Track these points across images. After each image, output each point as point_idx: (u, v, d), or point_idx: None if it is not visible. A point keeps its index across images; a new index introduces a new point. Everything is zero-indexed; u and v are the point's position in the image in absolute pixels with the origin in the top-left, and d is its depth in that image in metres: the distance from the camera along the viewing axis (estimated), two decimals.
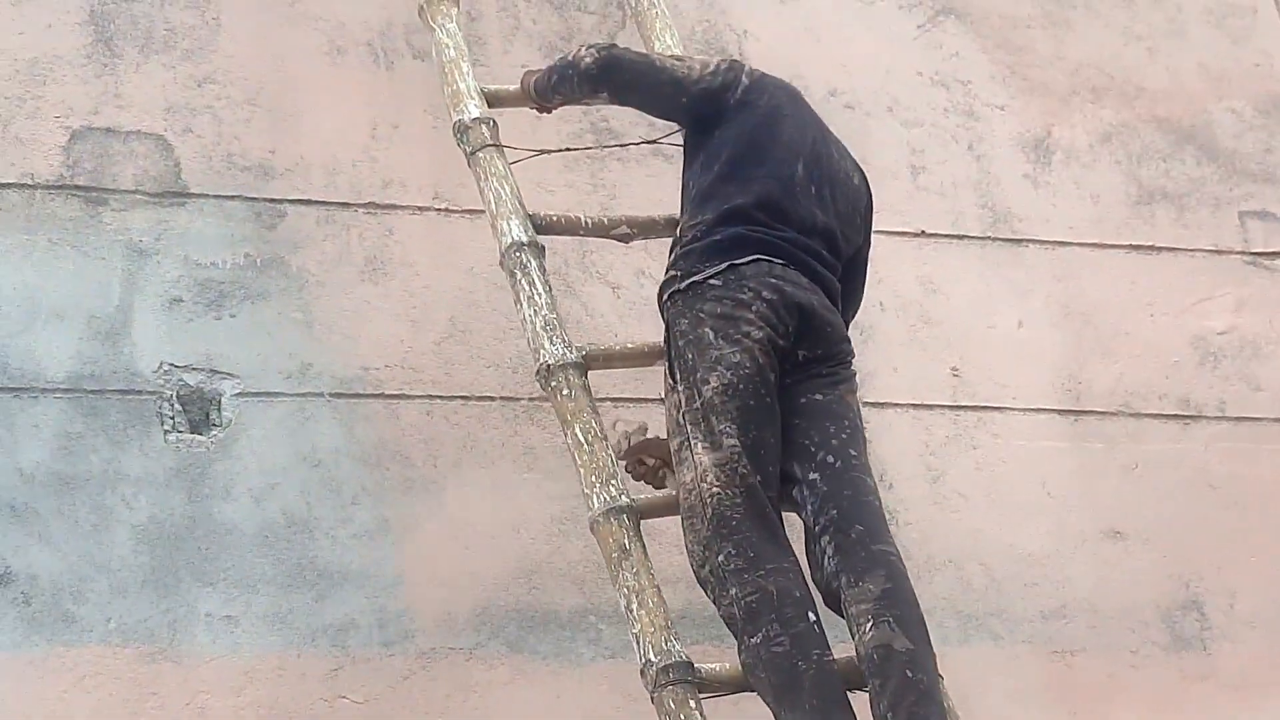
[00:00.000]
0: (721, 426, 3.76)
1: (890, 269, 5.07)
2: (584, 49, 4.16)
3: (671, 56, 4.28)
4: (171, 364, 4.41)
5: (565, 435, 3.93)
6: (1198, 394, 5.20)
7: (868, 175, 4.28)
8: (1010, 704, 4.81)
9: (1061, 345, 5.15)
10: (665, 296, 3.95)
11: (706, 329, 3.83)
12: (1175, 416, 5.16)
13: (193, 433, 4.39)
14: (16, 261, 4.35)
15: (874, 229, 4.28)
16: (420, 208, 4.69)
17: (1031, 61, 5.38)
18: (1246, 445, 5.18)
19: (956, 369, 5.05)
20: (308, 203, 4.62)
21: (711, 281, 3.87)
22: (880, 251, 5.01)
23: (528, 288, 4.05)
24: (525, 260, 4.09)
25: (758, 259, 3.88)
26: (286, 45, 4.74)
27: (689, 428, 3.80)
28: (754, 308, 3.83)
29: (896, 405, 4.97)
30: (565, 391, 3.95)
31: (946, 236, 5.16)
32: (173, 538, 4.30)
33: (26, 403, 4.28)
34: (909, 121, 5.22)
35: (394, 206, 4.67)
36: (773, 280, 3.87)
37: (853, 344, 4.02)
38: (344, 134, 4.69)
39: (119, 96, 4.54)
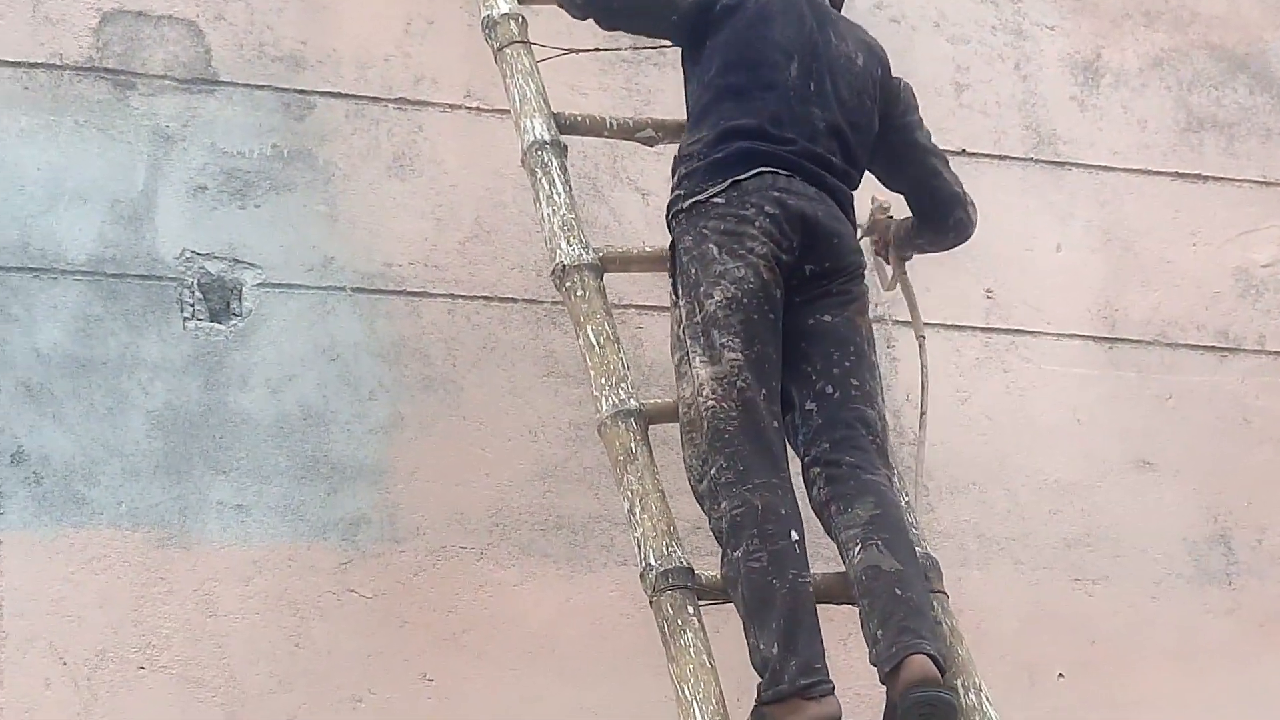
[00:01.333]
0: (723, 340, 3.72)
1: None
2: None
3: None
4: (194, 251, 4.40)
5: (578, 336, 3.90)
6: (1237, 326, 5.12)
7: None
8: (1028, 630, 4.78)
9: (1100, 271, 5.08)
10: (670, 215, 3.90)
11: (710, 244, 3.78)
12: (1212, 348, 5.09)
13: (212, 321, 4.38)
14: (42, 142, 4.34)
15: None
16: (451, 106, 4.65)
17: None
18: None
19: (991, 291, 5.00)
20: (338, 95, 4.59)
21: (715, 199, 3.81)
22: None
23: (547, 187, 4.02)
24: (546, 159, 4.05)
25: (760, 172, 3.82)
26: None
27: (689, 342, 3.76)
28: (757, 223, 3.78)
29: (927, 324, 4.88)
30: (579, 293, 3.91)
31: (988, 156, 5.09)
32: (187, 425, 4.30)
33: (46, 284, 4.27)
34: (955, 38, 5.14)
35: (425, 103, 4.63)
36: (775, 194, 3.81)
37: (864, 255, 3.96)
38: (377, 28, 4.65)
39: None
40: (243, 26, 4.56)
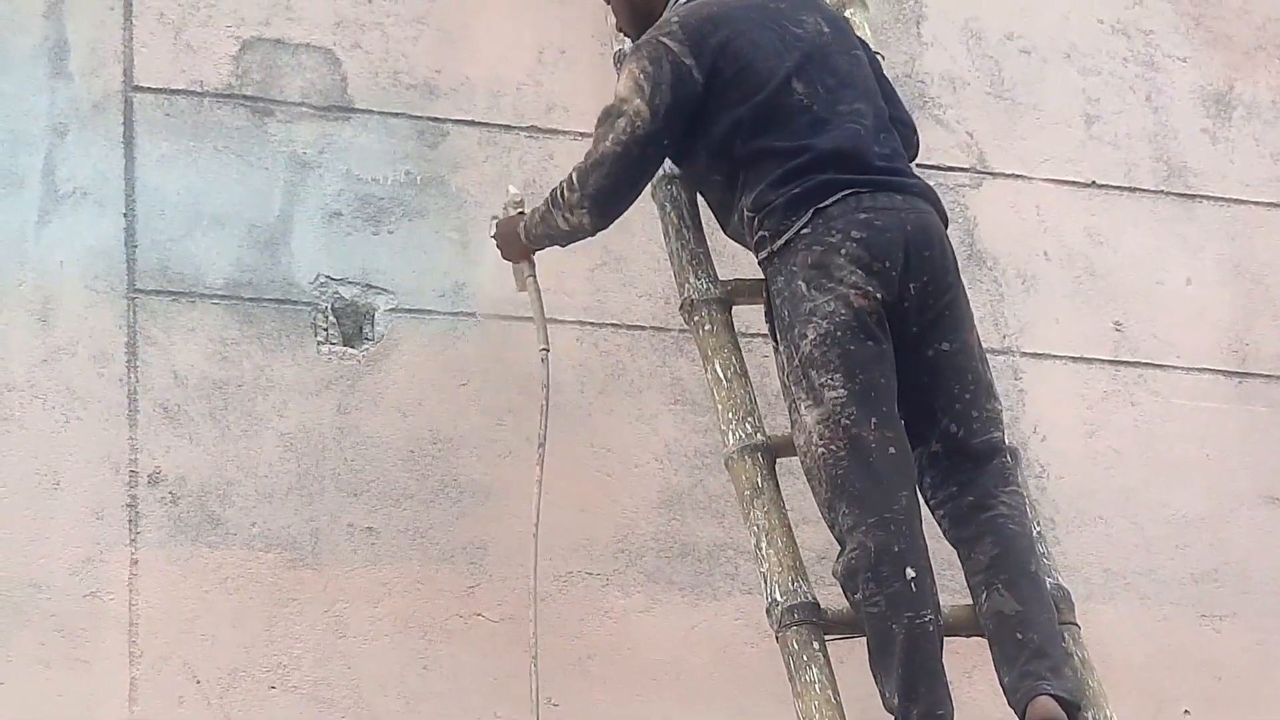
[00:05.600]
0: (822, 379, 3.66)
1: (1058, 218, 5.01)
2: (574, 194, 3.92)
3: (604, 118, 3.93)
4: (328, 276, 4.46)
5: (705, 370, 3.94)
6: None
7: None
8: (1154, 666, 4.76)
9: (1230, 305, 5.06)
10: (761, 260, 3.82)
11: (799, 281, 3.71)
12: None
13: (345, 345, 4.44)
14: (182, 167, 4.41)
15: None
16: (582, 134, 4.66)
17: (1217, 13, 5.25)
18: None
19: (1120, 323, 4.98)
20: (470, 123, 4.63)
21: (801, 232, 3.72)
22: (1048, 200, 5.01)
23: (676, 220, 4.05)
24: (675, 192, 4.08)
25: (844, 196, 3.72)
26: None
27: (793, 388, 3.72)
28: (844, 250, 3.69)
29: (1056, 357, 4.92)
30: (707, 326, 3.94)
31: (1118, 188, 5.07)
32: (319, 447, 4.35)
33: (184, 306, 4.35)
34: (1086, 69, 5.12)
35: (556, 131, 4.67)
36: (862, 216, 3.71)
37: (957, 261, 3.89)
38: (510, 56, 4.70)
39: (290, 9, 4.58)
40: (378, 55, 4.62)
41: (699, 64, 3.83)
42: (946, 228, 3.90)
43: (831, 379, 3.66)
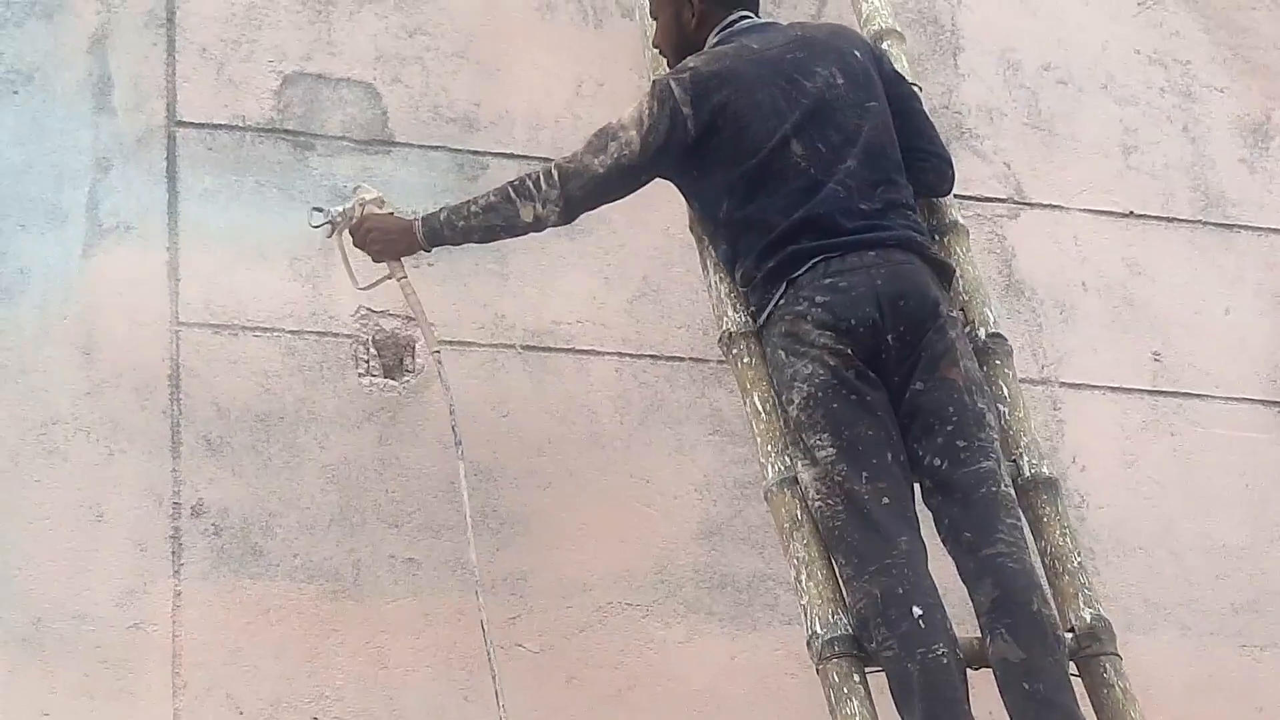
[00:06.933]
0: (812, 440, 3.76)
1: (1095, 248, 5.01)
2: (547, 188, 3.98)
3: (602, 134, 3.99)
4: (369, 309, 4.48)
5: (744, 403, 3.94)
6: None
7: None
8: (1194, 696, 4.75)
9: (1269, 335, 5.06)
10: (755, 331, 3.93)
11: (780, 351, 3.83)
12: None
13: (386, 377, 4.46)
14: (224, 201, 4.45)
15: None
16: None
17: (1254, 44, 5.26)
18: None
19: (1158, 354, 4.98)
20: (510, 156, 4.66)
21: (779, 303, 3.84)
22: (1086, 230, 5.01)
23: (714, 253, 4.06)
24: None
25: (812, 264, 3.81)
26: None
27: (792, 449, 3.82)
28: (810, 316, 3.79)
29: (1094, 387, 4.92)
30: (746, 359, 3.95)
31: (1156, 218, 5.08)
32: (361, 479, 4.37)
33: (226, 339, 4.37)
34: (1123, 100, 5.14)
35: None
36: (827, 281, 3.80)
37: (948, 294, 3.91)
38: (549, 90, 4.73)
39: (331, 44, 4.61)
40: (418, 89, 4.65)
41: (695, 117, 3.91)
42: (943, 270, 3.93)
43: (820, 439, 3.75)
